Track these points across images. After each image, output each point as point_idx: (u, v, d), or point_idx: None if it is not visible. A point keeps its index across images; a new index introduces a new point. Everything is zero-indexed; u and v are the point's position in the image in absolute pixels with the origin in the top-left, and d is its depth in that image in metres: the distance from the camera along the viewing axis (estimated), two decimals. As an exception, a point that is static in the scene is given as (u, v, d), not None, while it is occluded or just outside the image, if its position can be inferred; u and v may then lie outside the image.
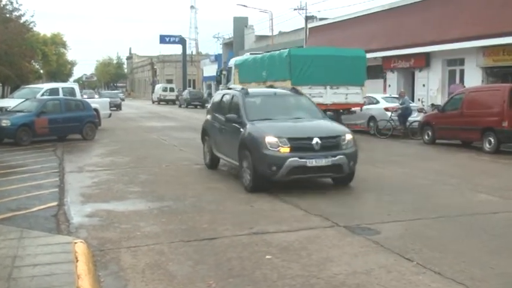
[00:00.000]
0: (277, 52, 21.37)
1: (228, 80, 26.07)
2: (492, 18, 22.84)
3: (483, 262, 6.06)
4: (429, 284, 5.38)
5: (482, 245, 6.75)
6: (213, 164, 12.79)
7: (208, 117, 13.25)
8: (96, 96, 44.40)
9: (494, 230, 7.44)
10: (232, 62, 26.28)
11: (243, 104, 10.98)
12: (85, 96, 33.21)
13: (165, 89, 63.15)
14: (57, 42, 69.73)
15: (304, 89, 17.16)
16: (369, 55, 30.58)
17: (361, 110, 20.72)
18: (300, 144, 9.62)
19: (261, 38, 53.05)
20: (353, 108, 20.39)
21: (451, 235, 7.16)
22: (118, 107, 44.73)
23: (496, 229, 7.50)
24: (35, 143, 18.17)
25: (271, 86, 16.90)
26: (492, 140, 16.38)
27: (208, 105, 15.88)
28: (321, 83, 19.04)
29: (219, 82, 29.76)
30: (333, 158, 9.61)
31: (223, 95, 12.75)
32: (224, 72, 28.04)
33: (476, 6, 24.28)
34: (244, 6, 44.71)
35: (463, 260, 6.10)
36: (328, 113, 16.92)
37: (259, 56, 23.42)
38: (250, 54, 27.10)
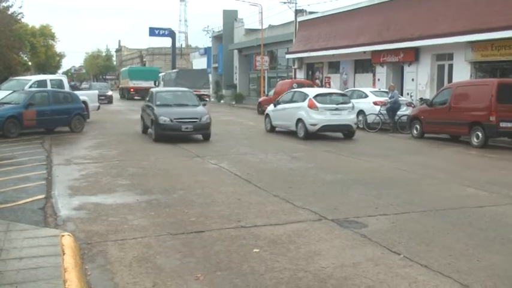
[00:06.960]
0: (127, 68, 66.48)
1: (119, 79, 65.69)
2: (480, 13, 22.93)
3: (470, 255, 6.10)
4: (416, 276, 5.41)
5: (468, 238, 6.80)
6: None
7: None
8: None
9: (480, 224, 7.49)
10: (121, 70, 65.99)
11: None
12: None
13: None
14: (45, 34, 69.04)
15: (134, 81, 55.68)
16: (358, 49, 30.88)
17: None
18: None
19: (250, 31, 52.76)
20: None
21: (438, 229, 7.21)
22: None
23: (483, 223, 7.56)
24: (23, 135, 18.06)
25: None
26: (480, 135, 16.49)
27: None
28: (141, 79, 54.43)
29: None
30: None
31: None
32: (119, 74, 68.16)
33: (464, 0, 24.36)
34: (234, -1, 44.38)
35: (449, 253, 6.14)
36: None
37: (125, 68, 65.82)
38: (129, 67, 67.49)
